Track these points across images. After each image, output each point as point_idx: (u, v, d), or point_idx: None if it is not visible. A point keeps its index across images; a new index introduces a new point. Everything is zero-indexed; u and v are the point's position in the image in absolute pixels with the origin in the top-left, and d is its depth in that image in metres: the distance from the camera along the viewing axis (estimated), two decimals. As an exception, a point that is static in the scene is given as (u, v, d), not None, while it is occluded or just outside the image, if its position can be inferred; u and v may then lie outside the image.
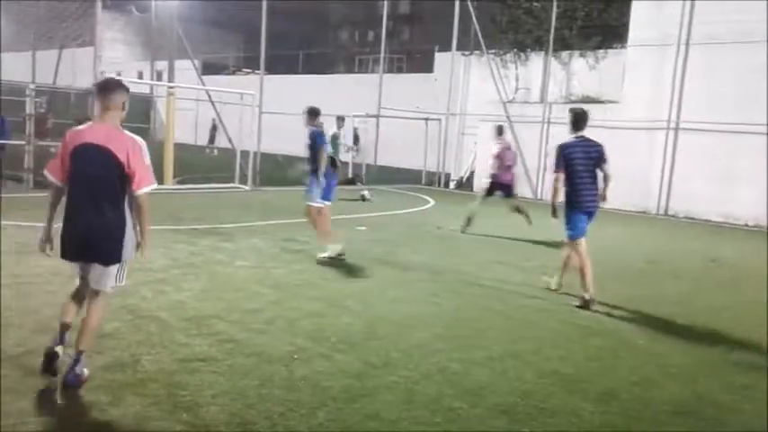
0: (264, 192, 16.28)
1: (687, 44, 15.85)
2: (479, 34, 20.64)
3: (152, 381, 4.21)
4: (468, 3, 20.48)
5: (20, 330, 4.97)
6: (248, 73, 36.85)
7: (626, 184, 16.68)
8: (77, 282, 4.27)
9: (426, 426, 3.87)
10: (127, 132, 4.11)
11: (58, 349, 4.09)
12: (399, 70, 38.16)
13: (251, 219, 11.55)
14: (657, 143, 16.35)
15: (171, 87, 16.28)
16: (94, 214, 4.01)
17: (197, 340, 5.03)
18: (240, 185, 16.77)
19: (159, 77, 25.27)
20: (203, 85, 19.40)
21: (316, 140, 8.52)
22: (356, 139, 21.50)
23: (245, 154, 17.06)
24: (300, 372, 4.52)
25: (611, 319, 6.50)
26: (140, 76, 34.41)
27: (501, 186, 12.04)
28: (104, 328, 5.14)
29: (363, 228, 11.31)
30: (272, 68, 20.78)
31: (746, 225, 14.76)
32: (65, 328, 4.19)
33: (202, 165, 19.64)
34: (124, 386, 4.10)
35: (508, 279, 8.07)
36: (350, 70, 43.22)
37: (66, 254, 4.11)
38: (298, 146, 23.18)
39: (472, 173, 20.68)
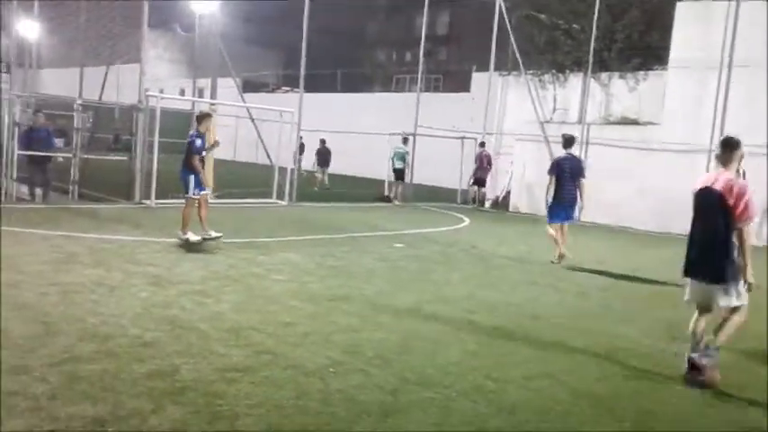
0: (301, 207, 16.45)
1: (729, 67, 15.62)
2: (517, 54, 20.63)
3: (191, 390, 4.29)
4: (507, 23, 20.52)
5: (66, 338, 5.10)
6: (287, 91, 37.37)
7: (666, 206, 16.49)
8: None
9: (461, 443, 3.87)
10: (740, 179, 5.21)
11: (694, 356, 5.16)
12: (436, 89, 38.30)
13: (287, 233, 11.67)
14: (698, 166, 16.05)
15: (213, 104, 16.61)
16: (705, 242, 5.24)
17: (234, 351, 5.11)
18: (277, 201, 16.97)
19: (201, 94, 25.81)
20: (244, 102, 19.74)
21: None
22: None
23: (282, 170, 17.29)
24: (336, 385, 4.55)
25: (648, 340, 6.40)
26: (182, 93, 35.15)
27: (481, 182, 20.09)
28: (144, 337, 5.28)
29: (400, 245, 11.34)
30: (311, 87, 21.04)
31: (790, 250, 14.37)
32: (695, 336, 5.28)
33: (241, 180, 19.92)
34: (164, 394, 4.18)
35: (542, 298, 8.01)
36: (387, 89, 43.51)
37: (688, 273, 5.36)
38: (336, 162, 23.29)
39: (508, 192, 20.57)
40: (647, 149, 16.57)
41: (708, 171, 15.67)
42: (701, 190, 5.30)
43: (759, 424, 4.16)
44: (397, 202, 19.16)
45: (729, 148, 5.25)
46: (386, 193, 19.99)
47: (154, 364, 4.68)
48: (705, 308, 5.34)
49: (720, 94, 15.75)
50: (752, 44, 15.14)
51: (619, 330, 6.71)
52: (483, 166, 20.20)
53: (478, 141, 20.85)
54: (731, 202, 5.03)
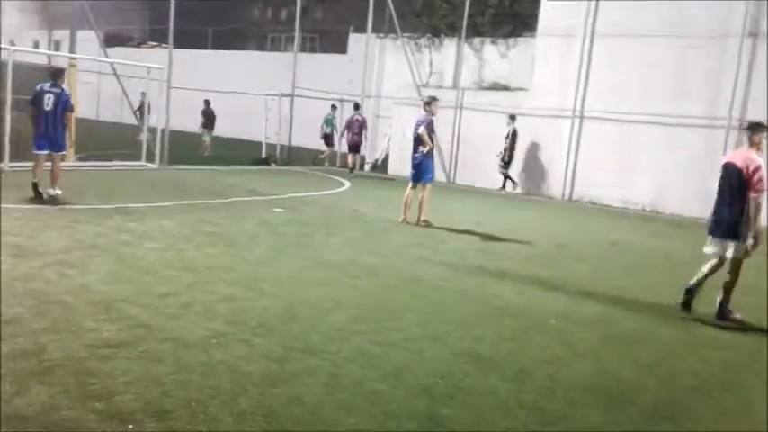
0: (173, 171, 15.75)
1: (592, 36, 16.48)
2: (394, 17, 20.67)
3: (60, 368, 4.01)
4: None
5: None
6: (155, 46, 35.35)
7: (533, 169, 17.37)
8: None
9: (349, 408, 3.88)
10: (756, 156, 6.30)
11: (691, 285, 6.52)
12: (312, 50, 37.66)
13: (159, 199, 11.14)
14: (563, 131, 16.96)
15: (73, 59, 15.39)
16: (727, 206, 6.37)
17: (106, 325, 4.82)
18: (147, 164, 16.13)
19: (57, 48, 23.85)
20: (107, 57, 18.44)
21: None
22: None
23: (152, 131, 16.42)
24: (219, 357, 4.42)
25: (523, 299, 6.72)
26: (36, 45, 32.36)
27: (352, 147, 19.31)
28: (5, 313, 4.86)
29: (280, 209, 11.16)
30: (180, 42, 19.90)
31: (643, 210, 15.60)
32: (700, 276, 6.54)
33: (105, 141, 18.72)
34: (29, 375, 3.88)
35: (423, 261, 8.18)
36: (261, 48, 42.28)
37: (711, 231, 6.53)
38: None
39: (387, 155, 20.78)
40: (517, 114, 17.24)
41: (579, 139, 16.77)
42: (725, 164, 6.45)
43: (664, 401, 4.44)
44: (326, 164, 20.60)
45: (750, 130, 6.47)
46: (321, 156, 21.07)
47: (17, 343, 4.33)
48: (720, 260, 6.48)
49: (583, 63, 16.61)
50: (612, 15, 16.01)
51: (495, 290, 6.99)
52: (355, 131, 19.38)
53: (353, 104, 20.26)
54: (747, 175, 6.19)
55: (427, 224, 10.61)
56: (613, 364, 5.06)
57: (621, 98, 15.87)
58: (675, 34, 15.07)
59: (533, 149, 17.47)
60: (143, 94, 18.61)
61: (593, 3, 16.33)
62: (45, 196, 9.94)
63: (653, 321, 6.33)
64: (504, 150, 17.14)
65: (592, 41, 16.48)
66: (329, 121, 20.74)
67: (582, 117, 16.70)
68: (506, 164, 17.28)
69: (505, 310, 6.26)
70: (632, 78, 15.78)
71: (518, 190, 17.54)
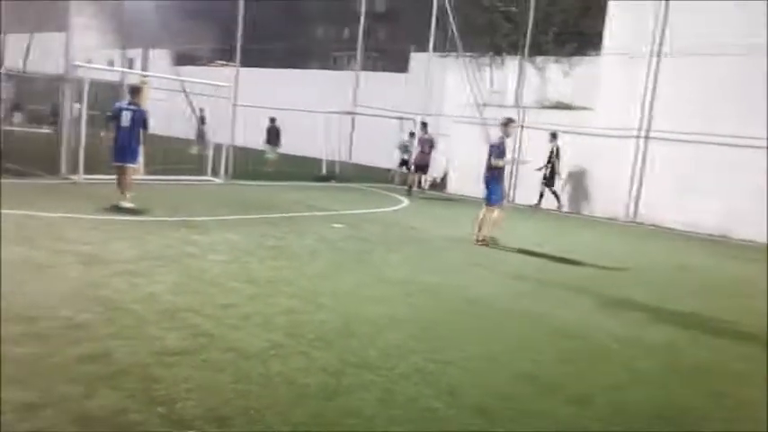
0: (237, 185, 16.14)
1: (659, 55, 16.12)
2: (456, 36, 20.73)
3: (126, 373, 4.15)
4: (446, 3, 20.54)
5: (-11, 319, 4.86)
6: (223, 65, 36.40)
7: (595, 190, 17.06)
8: None
9: (403, 425, 3.88)
10: None
11: None
12: (374, 68, 38.09)
13: (224, 212, 11.44)
14: (627, 151, 16.60)
15: (145, 76, 16.02)
16: None
17: (171, 334, 4.97)
18: (212, 178, 16.59)
19: (131, 66, 24.85)
20: (178, 75, 19.15)
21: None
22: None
23: (218, 147, 16.90)
24: (277, 368, 4.49)
25: (583, 322, 6.58)
26: (111, 63, 33.74)
27: (419, 167, 18.81)
28: (75, 319, 5.07)
29: (340, 225, 11.28)
30: (246, 61, 20.47)
31: (710, 235, 15.08)
32: None
33: (174, 156, 19.37)
34: (98, 378, 4.03)
35: (481, 280, 8.13)
36: (324, 66, 43.05)
37: None
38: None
39: (446, 174, 20.77)
40: (580, 134, 16.99)
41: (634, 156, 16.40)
42: None
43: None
44: (415, 188, 19.07)
45: None
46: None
47: (86, 348, 4.51)
48: None
49: (650, 82, 16.25)
50: (680, 34, 15.64)
51: (554, 311, 6.87)
52: (424, 150, 18.88)
53: (419, 122, 20.07)
54: None
55: (485, 243, 10.53)
56: (679, 392, 4.91)
57: (688, 118, 15.44)
58: (744, 53, 14.59)
59: (596, 169, 17.17)
60: (201, 110, 19.15)
61: (660, 21, 16.00)
62: (116, 207, 10.40)
63: (722, 349, 6.10)
64: (546, 168, 17.20)
65: (658, 61, 16.13)
66: (405, 148, 20.58)
67: (647, 137, 16.32)
68: (549, 180, 17.33)
69: (564, 333, 6.15)
70: (699, 98, 15.33)
71: (564, 208, 17.53)
